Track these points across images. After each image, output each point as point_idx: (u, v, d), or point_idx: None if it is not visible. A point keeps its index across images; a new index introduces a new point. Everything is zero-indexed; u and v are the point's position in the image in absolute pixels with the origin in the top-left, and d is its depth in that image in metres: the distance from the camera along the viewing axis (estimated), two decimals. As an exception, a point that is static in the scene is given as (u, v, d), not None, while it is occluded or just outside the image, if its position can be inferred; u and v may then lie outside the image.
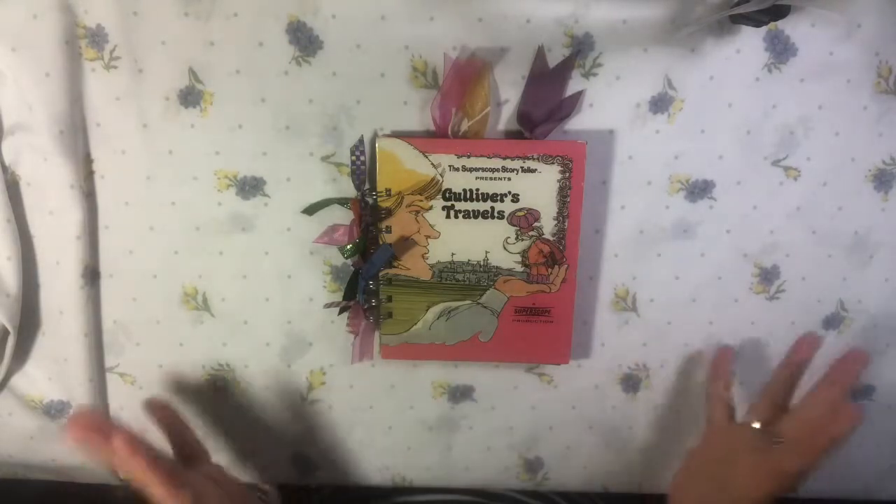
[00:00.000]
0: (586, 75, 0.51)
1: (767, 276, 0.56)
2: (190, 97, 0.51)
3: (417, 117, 0.51)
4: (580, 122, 0.52)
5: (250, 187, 0.53)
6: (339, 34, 0.49)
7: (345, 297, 0.55)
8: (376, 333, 0.56)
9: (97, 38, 0.50)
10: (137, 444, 0.46)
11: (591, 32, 0.49)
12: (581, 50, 0.50)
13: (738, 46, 0.50)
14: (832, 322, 0.57)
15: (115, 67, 0.51)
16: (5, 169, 0.52)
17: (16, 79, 0.49)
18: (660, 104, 0.51)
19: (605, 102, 0.51)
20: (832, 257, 0.56)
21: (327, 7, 0.49)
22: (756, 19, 0.46)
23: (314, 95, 0.51)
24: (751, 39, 0.50)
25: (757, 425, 0.51)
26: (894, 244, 0.55)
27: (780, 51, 0.50)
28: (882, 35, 0.50)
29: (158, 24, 0.49)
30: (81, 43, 0.50)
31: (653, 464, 0.61)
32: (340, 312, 0.55)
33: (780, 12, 0.45)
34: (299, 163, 0.53)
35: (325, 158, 0.53)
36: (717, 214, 0.54)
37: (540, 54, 0.49)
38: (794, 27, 0.50)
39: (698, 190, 0.54)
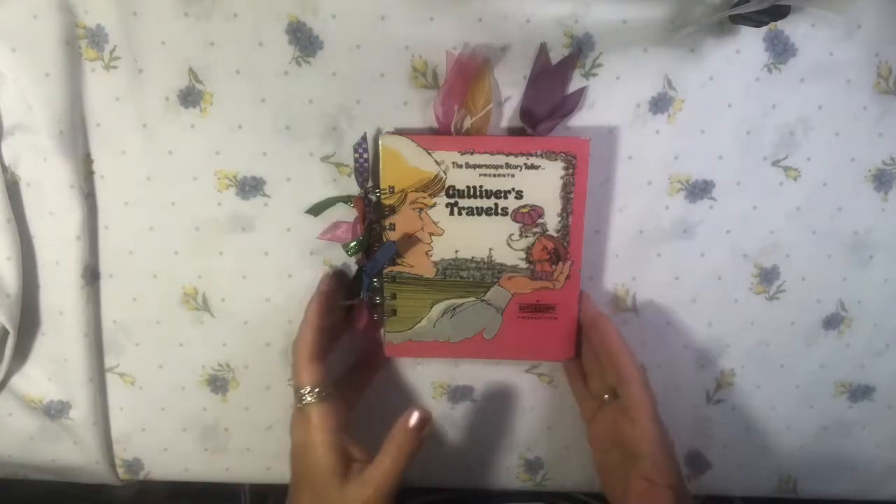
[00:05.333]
0: (586, 75, 0.51)
1: (767, 277, 0.56)
2: (190, 97, 0.51)
3: (417, 117, 0.51)
4: (580, 122, 0.52)
5: (250, 187, 0.53)
6: (339, 34, 0.49)
7: (349, 296, 0.55)
8: (381, 331, 0.56)
9: (97, 38, 0.50)
10: (329, 299, 0.52)
11: (590, 32, 0.49)
12: (581, 50, 0.50)
13: (738, 46, 0.50)
14: (832, 322, 0.57)
15: (115, 67, 0.51)
16: (5, 169, 0.52)
17: (16, 79, 0.49)
18: (660, 104, 0.51)
19: (605, 102, 0.51)
20: (832, 257, 0.56)
21: (327, 7, 0.49)
22: (756, 19, 0.46)
23: (314, 95, 0.51)
24: (751, 39, 0.50)
25: (606, 396, 0.52)
26: (894, 244, 0.55)
27: (780, 51, 0.50)
28: (882, 35, 0.50)
29: (158, 24, 0.49)
30: (81, 43, 0.50)
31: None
32: (347, 311, 0.55)
33: (780, 12, 0.45)
34: (299, 163, 0.53)
35: (325, 158, 0.53)
36: (717, 214, 0.54)
37: (542, 51, 0.49)
38: (794, 27, 0.50)
39: (698, 190, 0.54)
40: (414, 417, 0.46)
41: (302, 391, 0.48)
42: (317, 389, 0.48)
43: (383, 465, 0.46)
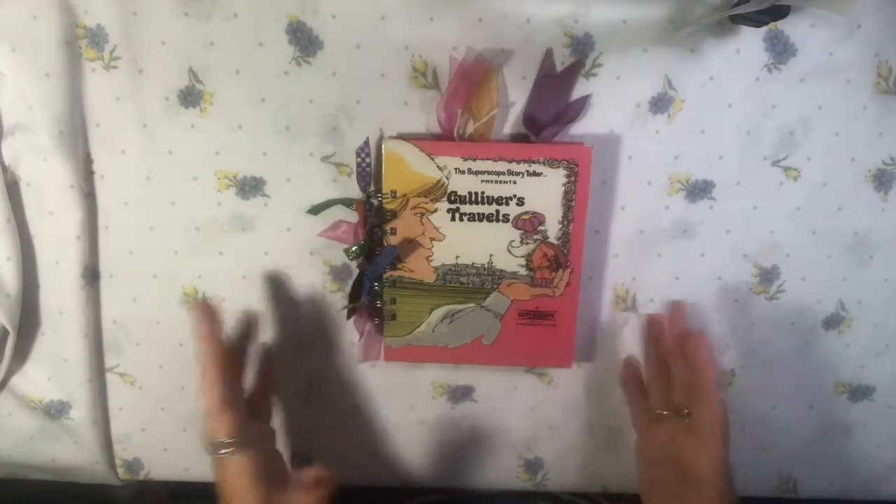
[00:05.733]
0: (586, 75, 0.51)
1: (767, 276, 0.56)
2: (190, 97, 0.51)
3: (417, 117, 0.51)
4: (580, 122, 0.52)
5: (250, 187, 0.53)
6: (339, 34, 0.49)
7: (350, 300, 0.55)
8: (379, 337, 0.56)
9: (97, 38, 0.50)
10: (222, 344, 0.48)
11: (590, 32, 0.49)
12: (585, 56, 0.50)
13: (738, 46, 0.50)
14: (832, 322, 0.57)
15: (115, 67, 0.51)
16: (5, 169, 0.52)
17: (16, 79, 0.49)
18: (660, 104, 0.51)
19: (605, 103, 0.51)
20: (832, 257, 0.56)
21: (327, 7, 0.49)
22: (756, 19, 0.46)
23: (314, 95, 0.51)
24: (751, 39, 0.50)
25: (665, 412, 0.51)
26: (894, 244, 0.55)
27: (780, 51, 0.50)
28: (882, 35, 0.50)
29: (158, 24, 0.49)
30: (81, 43, 0.50)
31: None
32: (349, 316, 0.55)
33: (780, 12, 0.45)
34: (299, 163, 0.53)
35: (325, 159, 0.53)
36: (717, 214, 0.54)
37: (548, 57, 0.49)
38: (794, 27, 0.50)
39: (698, 190, 0.54)
40: (315, 475, 0.47)
41: (216, 443, 0.46)
42: (231, 440, 0.46)
43: None
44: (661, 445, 0.51)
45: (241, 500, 0.46)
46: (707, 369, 0.48)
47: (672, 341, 0.53)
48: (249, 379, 0.54)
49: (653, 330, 0.56)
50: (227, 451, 0.46)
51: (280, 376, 0.57)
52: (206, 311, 0.50)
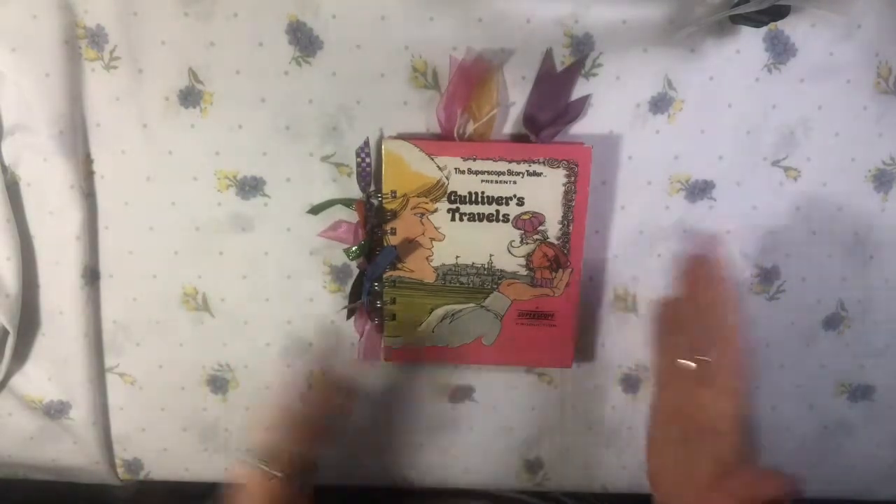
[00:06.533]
0: (586, 75, 0.51)
1: (767, 276, 0.56)
2: (190, 97, 0.51)
3: (417, 117, 0.51)
4: (580, 122, 0.52)
5: (250, 187, 0.53)
6: (339, 34, 0.49)
7: (350, 300, 0.55)
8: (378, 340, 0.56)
9: (97, 38, 0.50)
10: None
11: (590, 33, 0.49)
12: (581, 50, 0.50)
13: (738, 46, 0.50)
14: (832, 322, 0.57)
15: (115, 67, 0.51)
16: (5, 169, 0.52)
17: (16, 79, 0.49)
18: (660, 104, 0.51)
19: (605, 103, 0.51)
20: (832, 257, 0.56)
21: (327, 7, 0.49)
22: (756, 20, 0.46)
23: (314, 95, 0.51)
24: (751, 40, 0.50)
25: (687, 362, 0.48)
26: (894, 244, 0.55)
27: (780, 51, 0.50)
28: (882, 35, 0.50)
29: (158, 24, 0.49)
30: (81, 43, 0.50)
31: (653, 464, 0.61)
32: (349, 316, 0.55)
33: (780, 13, 0.45)
34: (299, 163, 0.53)
35: (325, 158, 0.53)
36: (717, 214, 0.54)
37: (548, 57, 0.49)
38: (794, 27, 0.50)
39: (698, 190, 0.54)
40: None
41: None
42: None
43: None
44: (676, 401, 0.49)
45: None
46: (729, 310, 0.46)
47: (696, 277, 0.49)
48: None
49: (686, 270, 0.51)
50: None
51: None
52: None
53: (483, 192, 0.51)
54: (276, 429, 0.48)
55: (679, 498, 0.47)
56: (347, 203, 0.53)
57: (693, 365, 0.47)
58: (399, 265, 0.53)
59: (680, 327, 0.50)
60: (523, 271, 0.53)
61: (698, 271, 0.49)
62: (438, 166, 0.50)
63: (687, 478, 0.45)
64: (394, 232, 0.52)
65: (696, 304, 0.49)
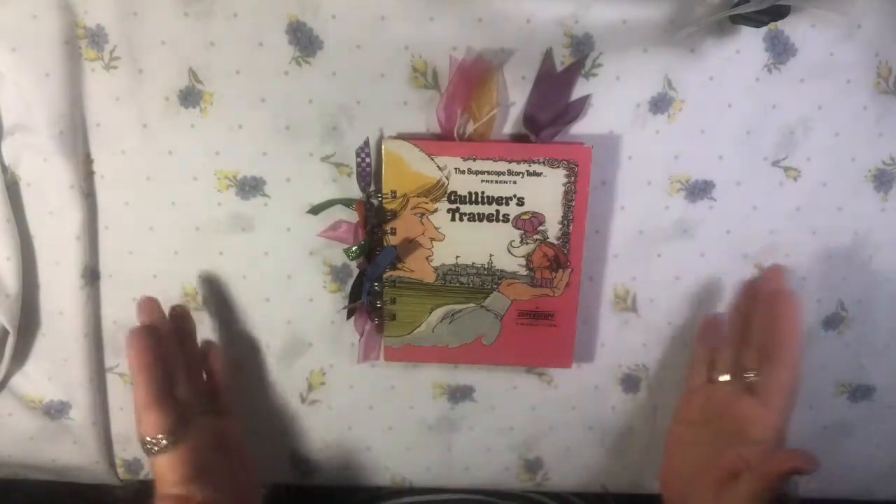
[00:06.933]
0: (586, 76, 0.51)
1: (767, 277, 0.56)
2: (190, 97, 0.51)
3: (417, 117, 0.51)
4: (580, 122, 0.52)
5: (250, 187, 0.53)
6: (339, 34, 0.49)
7: (349, 300, 0.55)
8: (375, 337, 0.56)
9: (97, 38, 0.50)
10: (151, 338, 0.47)
11: (590, 33, 0.49)
12: (581, 50, 0.50)
13: (738, 46, 0.50)
14: (832, 322, 0.57)
15: (115, 67, 0.51)
16: (5, 169, 0.52)
17: (16, 79, 0.49)
18: (660, 104, 0.51)
19: (605, 103, 0.51)
20: (832, 257, 0.56)
21: (327, 7, 0.49)
22: (756, 20, 0.46)
23: (314, 95, 0.51)
24: (751, 40, 0.50)
25: (726, 377, 0.50)
26: (894, 244, 0.55)
27: (780, 51, 0.50)
28: (882, 35, 0.50)
29: (158, 24, 0.49)
30: (81, 43, 0.50)
31: (653, 464, 0.61)
32: (349, 316, 0.55)
33: (780, 12, 0.45)
34: (299, 163, 0.53)
35: (325, 158, 0.53)
36: (717, 214, 0.54)
37: (548, 57, 0.49)
38: (794, 27, 0.50)
39: (698, 190, 0.54)
40: None
41: (146, 442, 0.46)
42: (160, 438, 0.45)
43: None
44: (708, 406, 0.50)
45: (171, 498, 0.46)
46: (793, 328, 0.47)
47: (763, 298, 0.51)
48: (195, 373, 0.53)
49: (744, 293, 0.54)
50: (156, 448, 0.46)
51: (226, 369, 0.55)
52: (146, 306, 0.50)
53: (483, 192, 0.51)
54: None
55: (692, 498, 0.47)
56: (347, 203, 0.53)
57: (728, 377, 0.48)
58: (399, 265, 0.53)
59: (726, 340, 0.52)
60: (523, 271, 0.53)
61: (767, 286, 0.51)
62: (438, 166, 0.50)
63: (703, 479, 0.45)
64: (394, 232, 0.52)
65: (755, 318, 0.50)
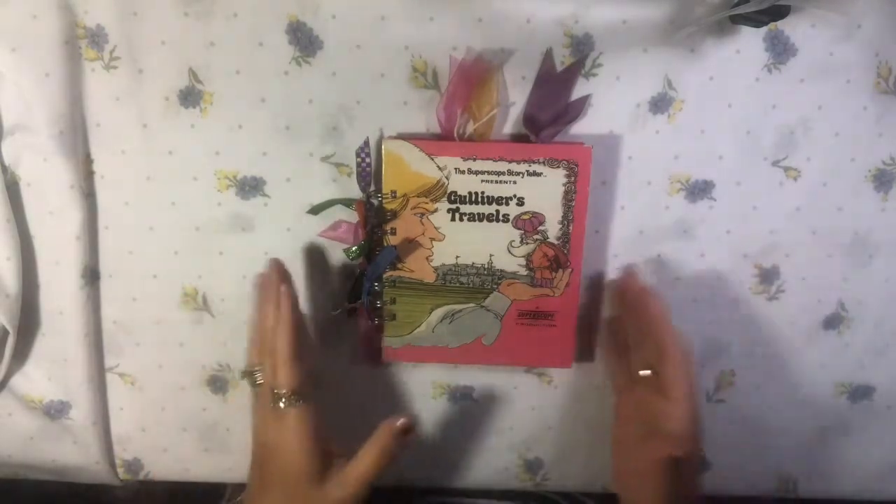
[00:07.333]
0: (586, 76, 0.51)
1: (767, 277, 0.56)
2: (190, 97, 0.51)
3: (418, 117, 0.51)
4: (580, 122, 0.52)
5: (250, 187, 0.53)
6: (339, 34, 0.49)
7: (349, 300, 0.55)
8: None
9: (97, 38, 0.50)
10: (295, 294, 0.48)
11: (590, 33, 0.49)
12: (581, 50, 0.50)
13: (738, 46, 0.50)
14: (832, 322, 0.58)
15: (115, 67, 0.51)
16: (5, 169, 0.52)
17: (16, 79, 0.49)
18: (660, 104, 0.51)
19: (605, 103, 0.51)
20: (832, 257, 0.56)
21: (327, 7, 0.49)
22: (756, 20, 0.46)
23: (314, 95, 0.51)
24: (751, 40, 0.50)
25: (647, 372, 0.51)
26: (894, 244, 0.55)
27: (780, 51, 0.50)
28: (882, 35, 0.50)
29: (158, 24, 0.49)
30: (81, 43, 0.50)
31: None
32: (349, 316, 0.55)
33: (780, 12, 0.45)
34: (299, 163, 0.53)
35: (325, 158, 0.53)
36: (717, 214, 0.54)
37: (548, 57, 0.49)
38: (794, 27, 0.50)
39: (698, 190, 0.54)
40: (400, 421, 0.46)
41: (279, 392, 0.46)
42: (295, 392, 0.46)
43: (363, 464, 0.46)
44: (635, 405, 0.52)
45: (293, 455, 0.46)
46: (662, 325, 0.49)
47: (626, 303, 0.53)
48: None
49: (612, 301, 0.56)
50: (289, 402, 0.46)
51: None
52: (279, 267, 0.51)
53: (483, 192, 0.51)
54: (260, 344, 0.49)
55: (637, 493, 0.49)
56: (347, 203, 0.53)
57: (650, 373, 0.50)
58: (399, 265, 0.53)
59: (626, 343, 0.54)
60: (523, 271, 0.53)
61: (628, 296, 0.53)
62: (438, 166, 0.50)
63: (643, 475, 0.48)
64: (394, 232, 0.52)
65: (634, 323, 0.53)
